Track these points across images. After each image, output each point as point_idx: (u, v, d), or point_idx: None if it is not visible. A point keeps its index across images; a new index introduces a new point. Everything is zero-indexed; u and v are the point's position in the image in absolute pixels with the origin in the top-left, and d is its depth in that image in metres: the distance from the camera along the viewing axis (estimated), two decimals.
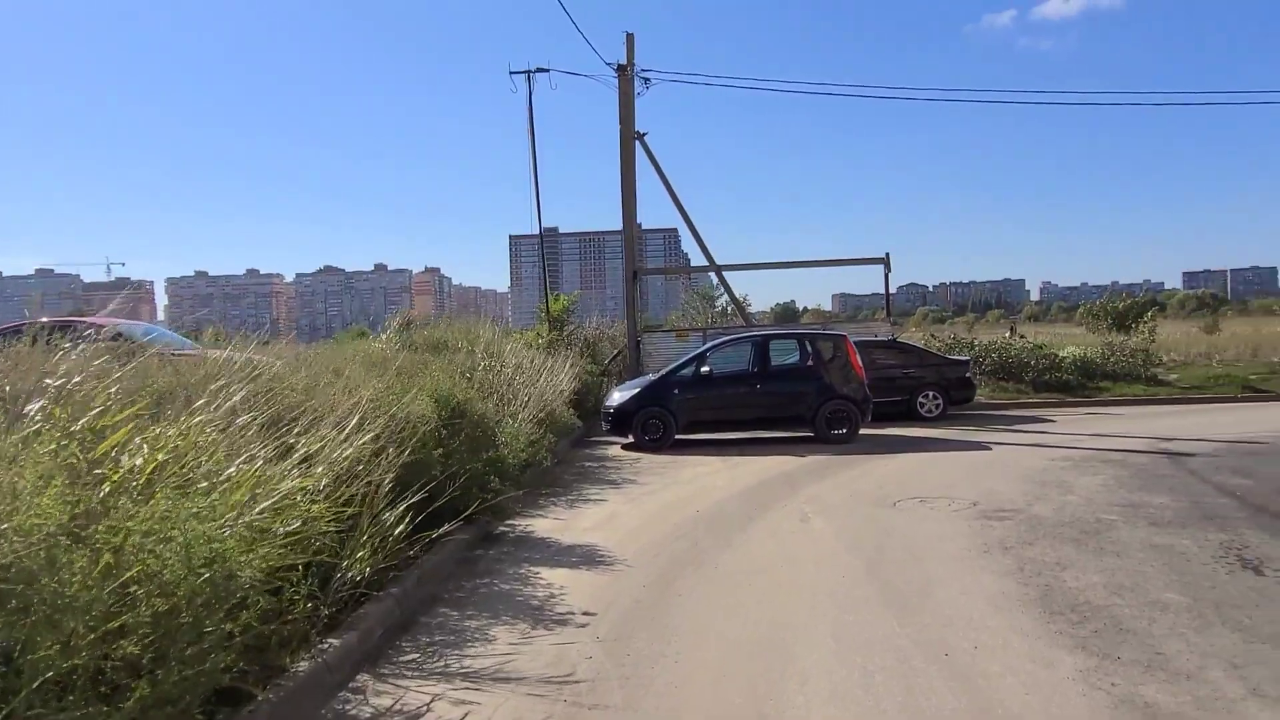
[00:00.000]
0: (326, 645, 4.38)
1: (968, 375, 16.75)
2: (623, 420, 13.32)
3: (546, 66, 19.40)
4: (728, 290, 21.20)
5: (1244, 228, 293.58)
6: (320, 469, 5.03)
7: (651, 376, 14.35)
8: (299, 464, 4.84)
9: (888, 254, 19.58)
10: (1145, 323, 20.67)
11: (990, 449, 12.16)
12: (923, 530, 7.17)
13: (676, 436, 13.22)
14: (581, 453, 13.12)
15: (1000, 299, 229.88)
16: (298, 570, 4.40)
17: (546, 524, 7.91)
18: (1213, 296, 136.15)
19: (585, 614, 5.22)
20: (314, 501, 4.67)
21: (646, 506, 8.76)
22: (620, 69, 17.83)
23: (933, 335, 21.63)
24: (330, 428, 5.48)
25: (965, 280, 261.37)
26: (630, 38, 18.54)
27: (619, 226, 19.35)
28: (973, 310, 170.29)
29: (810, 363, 13.54)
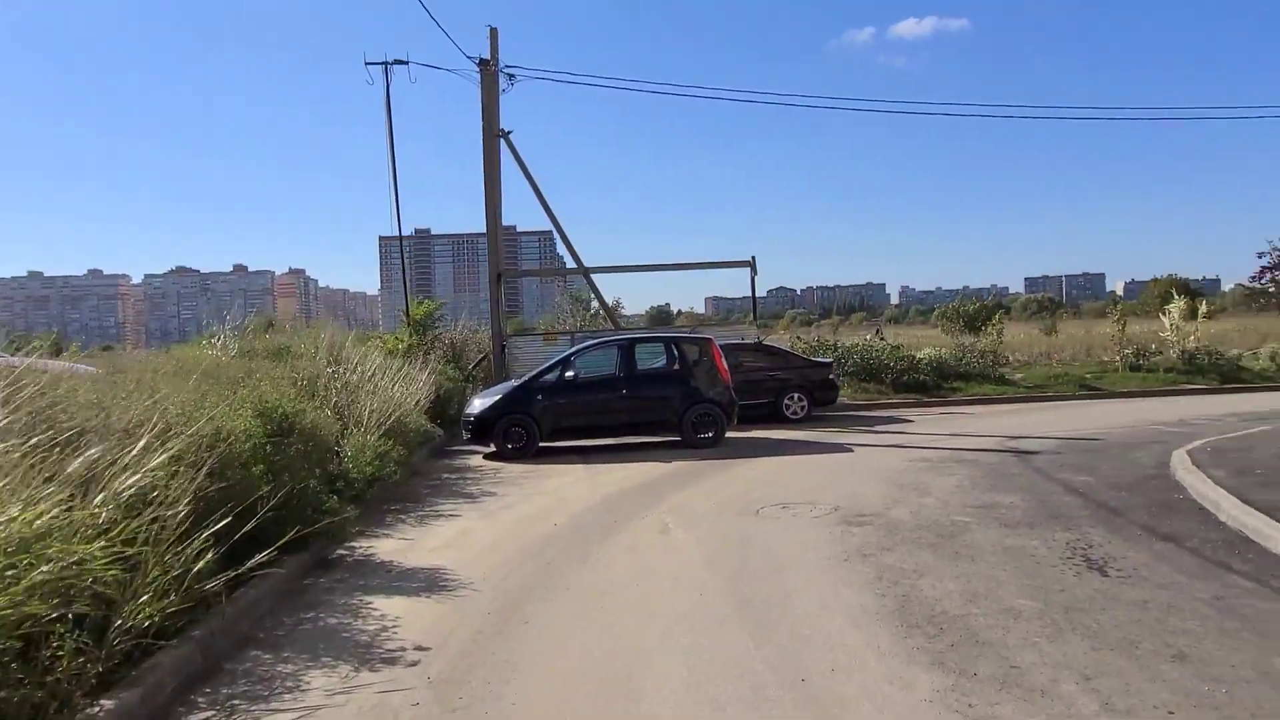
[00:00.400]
0: (97, 709, 3.71)
1: (831, 377, 17.02)
2: (484, 428, 12.74)
3: (405, 59, 18.52)
4: (595, 292, 20.89)
5: (1077, 237, 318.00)
6: (100, 497, 4.32)
7: (514, 382, 13.83)
8: (70, 496, 4.12)
9: (753, 257, 19.73)
10: (994, 325, 21.68)
11: (852, 450, 12.28)
12: (785, 539, 6.99)
13: (540, 444, 12.75)
14: (441, 464, 12.46)
15: (864, 302, 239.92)
16: (66, 621, 3.73)
17: (390, 545, 7.30)
18: (1050, 300, 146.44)
19: (419, 649, 4.70)
20: (88, 539, 3.98)
21: (502, 521, 8.26)
22: (483, 63, 17.20)
23: (798, 337, 22.00)
24: (123, 448, 4.76)
25: (831, 284, 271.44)
26: (494, 32, 17.94)
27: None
28: (838, 313, 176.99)
29: (676, 367, 13.34)
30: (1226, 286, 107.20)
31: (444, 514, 8.69)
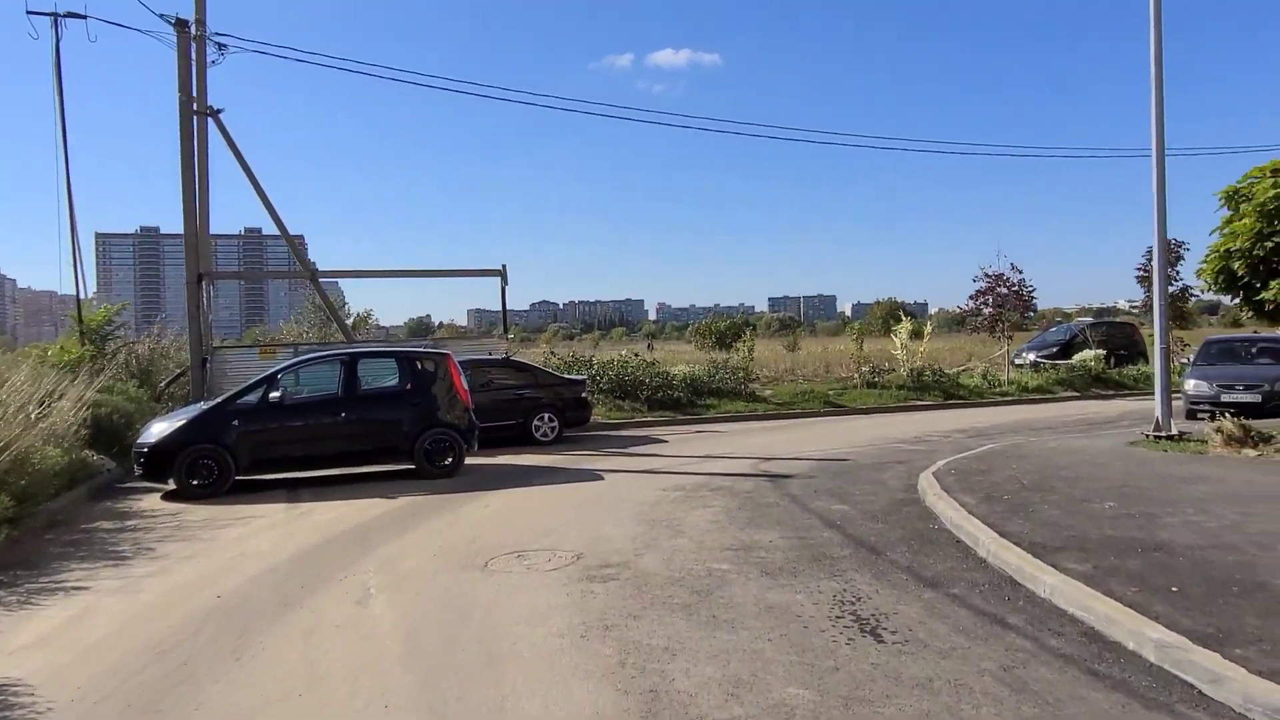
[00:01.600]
0: None
1: (584, 395, 16.01)
2: (160, 461, 10.33)
3: (83, 12, 15.26)
4: (322, 297, 18.45)
5: (812, 260, 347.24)
6: None
7: (203, 405, 11.46)
8: None
9: (504, 266, 18.37)
10: (744, 343, 21.80)
11: (603, 478, 11.22)
12: (512, 607, 5.64)
13: (237, 478, 10.56)
14: (102, 507, 9.86)
15: (623, 318, 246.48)
16: None
17: None
18: (791, 319, 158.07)
19: None
20: None
21: (146, 594, 6.25)
22: (180, 24, 14.44)
23: (552, 352, 20.91)
24: None
25: (593, 299, 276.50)
26: None
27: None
28: (599, 328, 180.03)
29: (408, 385, 11.62)
30: (932, 309, 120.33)
31: (66, 586, 6.50)
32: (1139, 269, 25.55)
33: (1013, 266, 23.14)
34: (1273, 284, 12.40)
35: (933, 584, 5.87)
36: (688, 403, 19.64)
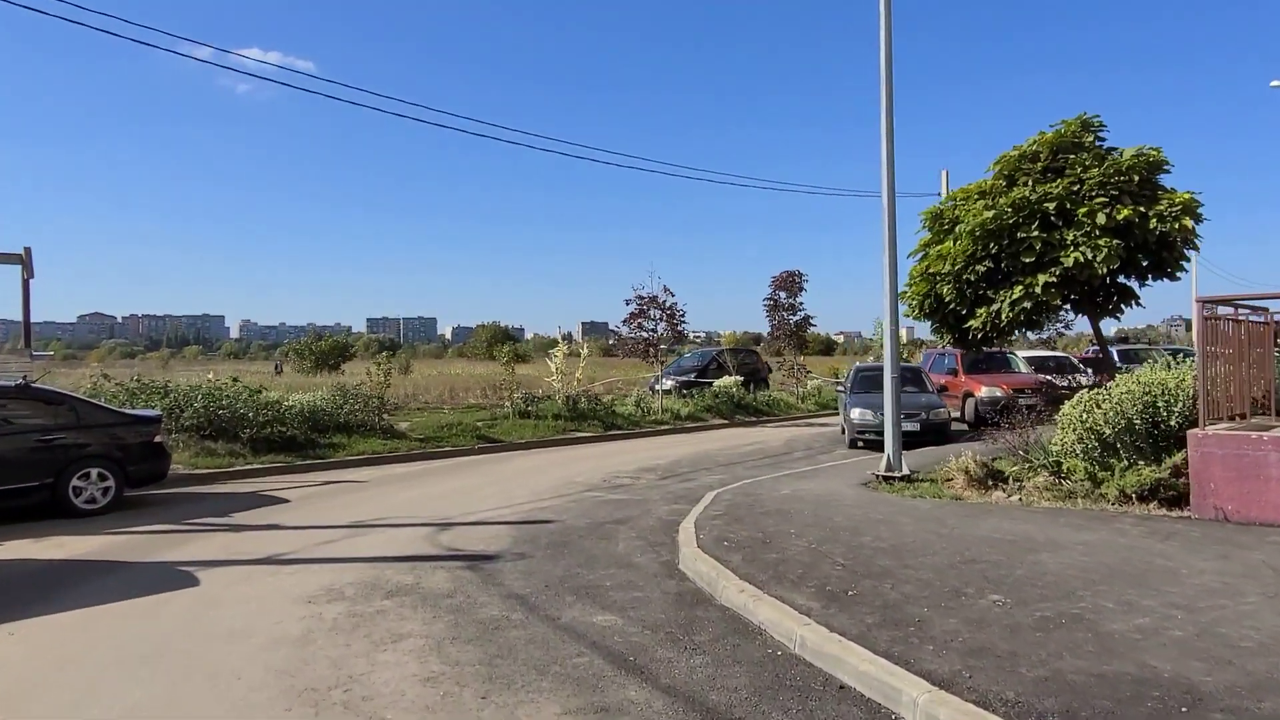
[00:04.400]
0: None
1: (158, 440, 11.06)
2: None
3: None
4: None
5: (411, 282, 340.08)
6: None
7: None
8: None
9: (27, 249, 12.58)
10: (380, 365, 17.78)
11: (197, 581, 6.96)
12: None
13: None
14: None
15: (200, 334, 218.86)
16: None
17: None
18: (391, 341, 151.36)
19: None
20: None
21: None
22: None
23: (104, 375, 15.05)
24: None
25: (161, 313, 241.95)
26: None
27: None
28: (169, 345, 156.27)
29: None
30: (529, 335, 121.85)
31: None
32: (767, 299, 26.29)
33: (665, 289, 22.18)
34: (979, 311, 12.19)
35: None
36: (307, 442, 15.23)
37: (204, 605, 6.25)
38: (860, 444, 16.37)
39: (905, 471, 10.45)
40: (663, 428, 20.58)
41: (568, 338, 29.58)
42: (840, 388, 21.70)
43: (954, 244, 12.09)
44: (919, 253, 13.12)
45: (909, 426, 15.41)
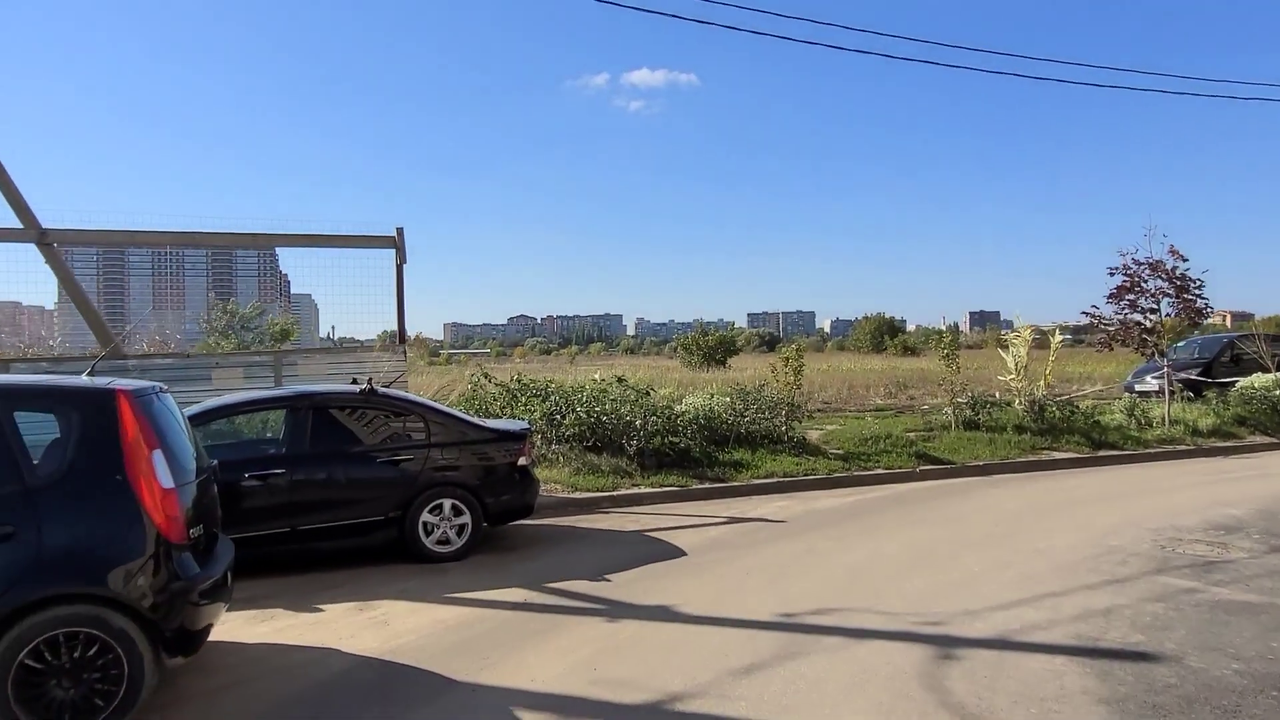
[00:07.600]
0: None
1: (522, 463, 8.37)
2: None
3: None
4: (60, 272, 10.66)
5: (790, 276, 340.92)
6: None
7: None
8: None
9: (400, 230, 10.89)
10: (791, 360, 14.31)
11: None
12: None
13: None
14: None
15: (601, 332, 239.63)
16: None
17: None
18: (771, 335, 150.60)
19: None
20: None
21: None
22: None
23: (479, 367, 13.27)
24: None
25: (570, 314, 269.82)
26: None
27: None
28: (576, 342, 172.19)
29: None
30: (910, 326, 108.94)
31: None
32: None
33: (1172, 251, 15.85)
34: None
35: None
36: (703, 456, 12.13)
37: None
38: None
39: None
40: (1179, 448, 14.46)
41: (954, 328, 23.86)
42: None
43: None
44: None
45: None
